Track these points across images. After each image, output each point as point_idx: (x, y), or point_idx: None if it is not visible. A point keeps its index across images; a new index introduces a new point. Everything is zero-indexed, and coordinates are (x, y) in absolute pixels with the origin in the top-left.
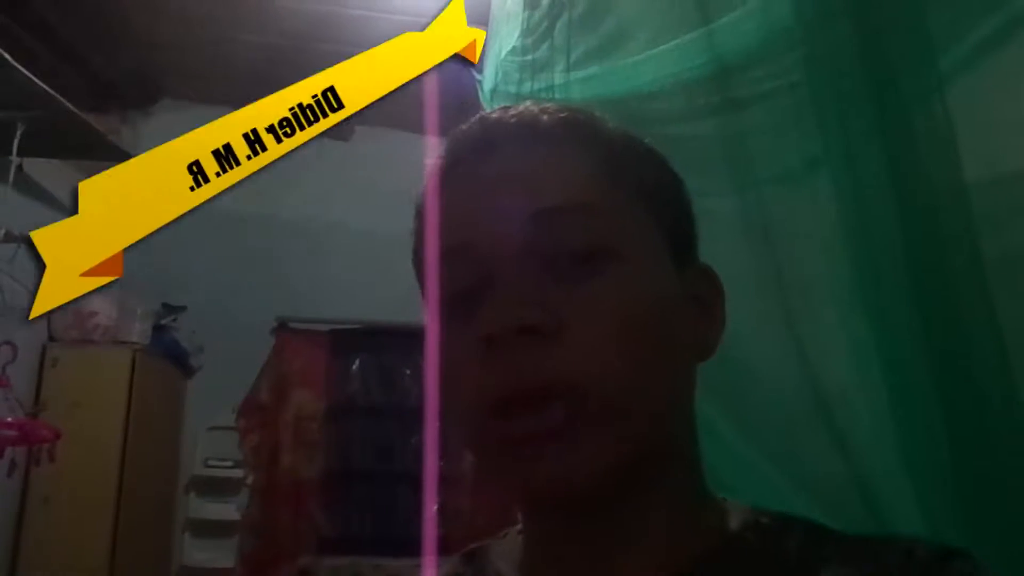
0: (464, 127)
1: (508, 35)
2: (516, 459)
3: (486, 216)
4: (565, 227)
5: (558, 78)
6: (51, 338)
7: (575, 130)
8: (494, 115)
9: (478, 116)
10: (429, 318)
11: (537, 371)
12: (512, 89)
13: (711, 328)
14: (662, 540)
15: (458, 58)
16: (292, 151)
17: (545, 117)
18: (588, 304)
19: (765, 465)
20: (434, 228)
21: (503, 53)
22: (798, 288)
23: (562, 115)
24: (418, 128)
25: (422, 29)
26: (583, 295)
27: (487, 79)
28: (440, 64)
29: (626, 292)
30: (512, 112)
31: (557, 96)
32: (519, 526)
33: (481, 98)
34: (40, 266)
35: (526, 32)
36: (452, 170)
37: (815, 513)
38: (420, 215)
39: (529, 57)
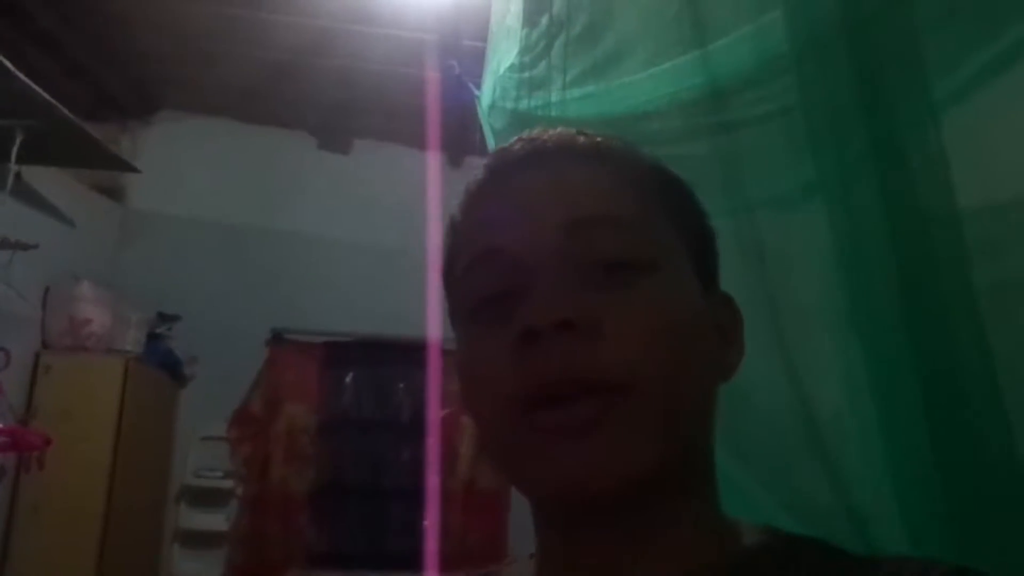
0: (507, 145)
1: (507, 52)
2: (543, 455)
3: (526, 222)
4: (601, 236)
5: (555, 96)
6: (44, 345)
7: (610, 151)
8: (534, 134)
9: (518, 136)
10: (461, 322)
11: (573, 365)
12: (509, 105)
13: (732, 351)
14: (676, 554)
15: (457, 74)
16: (291, 164)
17: (583, 138)
18: (624, 308)
19: (756, 489)
20: (474, 234)
21: (502, 69)
22: (792, 312)
23: (598, 138)
24: (416, 142)
25: (418, 45)
26: (619, 300)
27: (485, 94)
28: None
29: (660, 300)
30: (551, 133)
31: (554, 114)
32: (530, 552)
33: (480, 113)
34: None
35: (524, 50)
36: (490, 182)
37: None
38: (455, 228)
39: (527, 74)
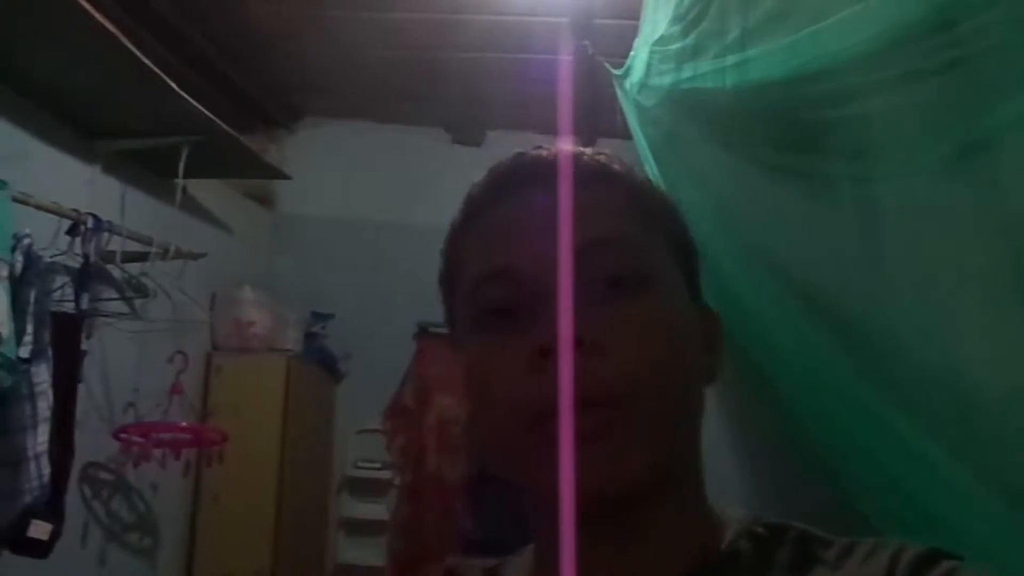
0: (504, 161)
1: (658, 23)
2: (552, 463)
3: (538, 242)
4: (609, 255)
5: (709, 65)
6: (214, 347)
7: (615, 171)
8: (532, 153)
9: (515, 153)
10: (466, 328)
11: (586, 381)
12: (667, 81)
13: (716, 358)
14: (664, 552)
15: (591, 54)
16: (426, 160)
17: (586, 158)
18: (624, 322)
19: (950, 465)
20: (488, 248)
21: (652, 42)
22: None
23: (602, 158)
24: (549, 129)
25: (548, 30)
26: (620, 314)
27: (635, 70)
28: (571, 63)
29: (658, 314)
30: (555, 151)
31: (709, 84)
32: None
33: (620, 94)
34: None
35: (676, 18)
36: (504, 197)
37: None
38: (461, 235)
39: (678, 45)
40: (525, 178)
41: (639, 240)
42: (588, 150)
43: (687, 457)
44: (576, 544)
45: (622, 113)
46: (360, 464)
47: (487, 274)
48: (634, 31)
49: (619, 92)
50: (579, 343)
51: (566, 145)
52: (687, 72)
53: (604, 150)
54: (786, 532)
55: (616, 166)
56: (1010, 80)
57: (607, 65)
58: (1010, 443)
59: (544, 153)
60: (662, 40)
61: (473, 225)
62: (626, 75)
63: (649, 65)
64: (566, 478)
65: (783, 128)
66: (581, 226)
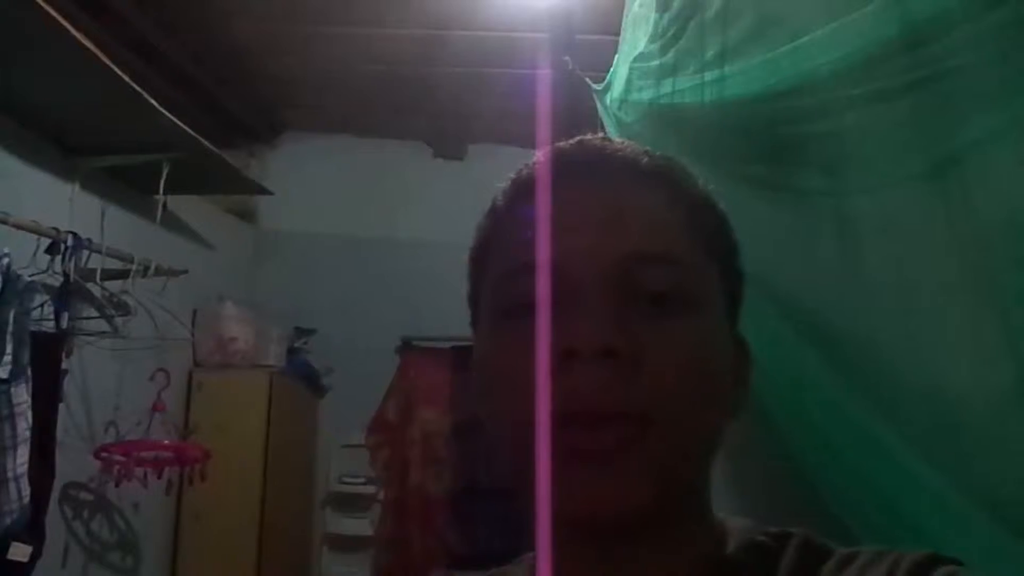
0: (568, 147)
1: (637, 41)
2: (559, 475)
3: (584, 242)
4: (655, 271)
5: (688, 81)
6: (196, 363)
7: (671, 178)
8: (597, 143)
9: (580, 139)
10: (491, 318)
11: (611, 393)
12: (646, 96)
13: (743, 393)
14: (670, 569)
15: (571, 69)
16: (409, 174)
17: (646, 159)
18: (664, 342)
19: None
20: (526, 237)
21: (631, 59)
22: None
23: (660, 161)
24: (529, 142)
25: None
26: (660, 332)
27: (615, 86)
28: (552, 77)
29: (698, 337)
30: (617, 145)
31: (688, 100)
32: (531, 555)
33: (600, 108)
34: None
35: (655, 36)
36: (550, 185)
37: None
38: (502, 217)
39: (657, 62)
40: (580, 169)
41: (690, 259)
42: (650, 151)
43: (698, 485)
44: (577, 561)
45: (603, 127)
46: (344, 479)
47: (520, 266)
48: (614, 47)
49: (600, 107)
50: (612, 352)
51: (628, 142)
52: (666, 88)
53: (669, 156)
54: (788, 540)
55: (677, 170)
56: (975, 100)
57: (588, 80)
58: (991, 454)
59: (605, 145)
60: (641, 57)
61: (517, 208)
62: (606, 90)
63: (629, 81)
64: (569, 495)
65: (761, 143)
66: (630, 233)
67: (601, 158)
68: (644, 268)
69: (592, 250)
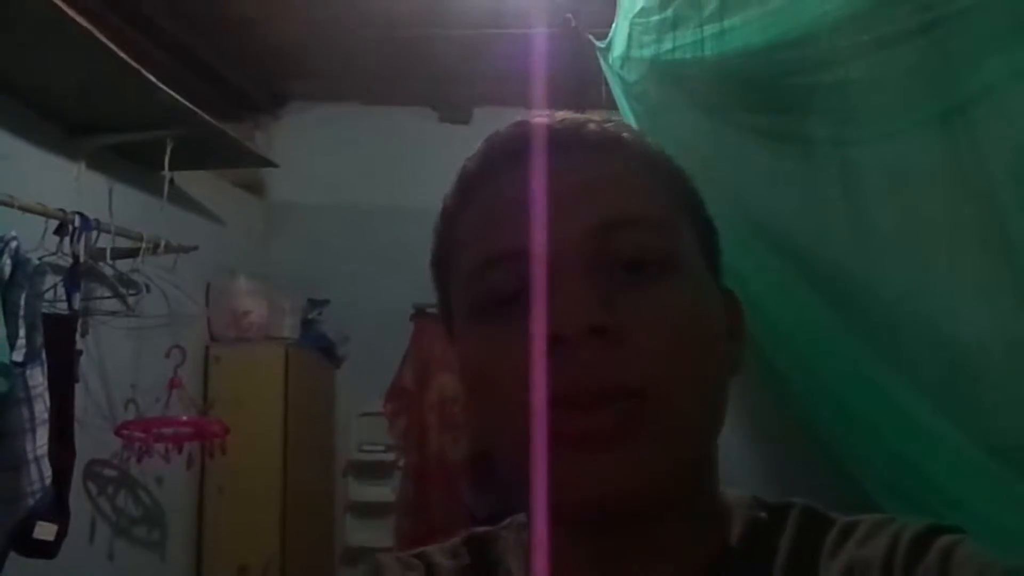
0: (505, 130)
1: None
2: (561, 466)
3: (551, 223)
4: (628, 236)
5: (690, 36)
6: (212, 338)
7: (627, 142)
8: (537, 120)
9: (518, 121)
10: (467, 319)
11: (603, 371)
12: (647, 53)
13: (739, 346)
14: (676, 556)
15: (575, 26)
16: (415, 140)
17: (593, 126)
18: (649, 308)
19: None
20: (488, 230)
21: (633, 15)
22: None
23: (610, 127)
24: (537, 104)
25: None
26: (643, 300)
27: (617, 44)
28: (557, 37)
29: (683, 297)
30: (560, 119)
31: (689, 55)
32: (521, 516)
33: (604, 67)
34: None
35: None
36: (501, 173)
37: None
38: (454, 215)
39: (657, 17)
40: (527, 149)
41: (660, 219)
42: (595, 116)
43: (709, 454)
44: (581, 552)
45: (607, 84)
46: (364, 447)
47: (490, 258)
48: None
49: (603, 64)
50: (599, 330)
51: (569, 112)
52: (667, 44)
53: (611, 117)
54: (787, 514)
55: (626, 134)
56: (984, 44)
57: (591, 37)
58: (1002, 401)
59: (547, 121)
60: (642, 12)
61: (471, 202)
62: (609, 49)
63: (630, 38)
64: (575, 485)
65: (764, 94)
66: (595, 203)
67: (548, 137)
68: (615, 235)
69: (560, 230)
